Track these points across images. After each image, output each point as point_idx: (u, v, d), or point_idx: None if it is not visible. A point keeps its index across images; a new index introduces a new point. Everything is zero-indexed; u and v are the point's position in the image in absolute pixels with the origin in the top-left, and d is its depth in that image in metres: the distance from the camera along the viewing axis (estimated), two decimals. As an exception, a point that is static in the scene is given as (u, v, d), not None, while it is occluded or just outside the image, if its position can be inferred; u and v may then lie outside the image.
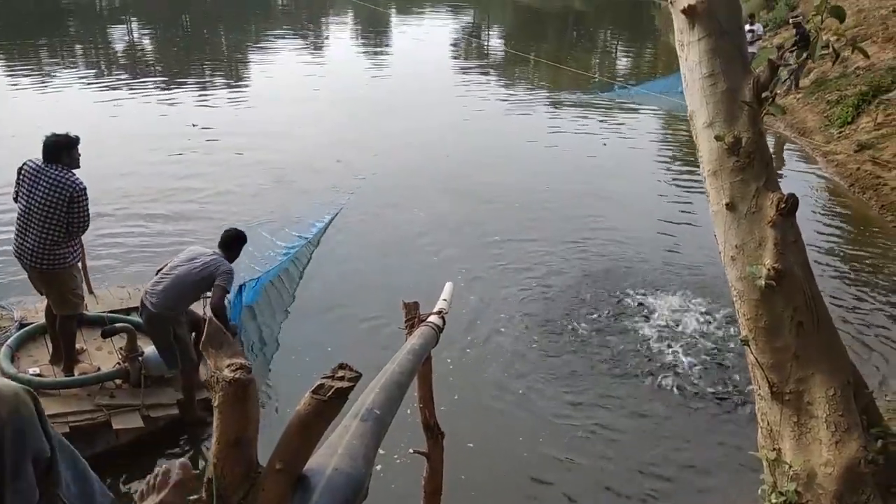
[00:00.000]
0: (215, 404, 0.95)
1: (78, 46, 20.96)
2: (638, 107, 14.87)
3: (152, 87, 15.30)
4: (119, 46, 21.61)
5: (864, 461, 3.20)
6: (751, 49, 14.48)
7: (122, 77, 16.37)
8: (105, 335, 5.02)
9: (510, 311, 6.63)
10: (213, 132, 11.80)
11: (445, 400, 5.10)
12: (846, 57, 13.32)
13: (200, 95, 14.70)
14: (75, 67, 17.52)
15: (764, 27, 17.53)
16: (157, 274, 4.86)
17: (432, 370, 2.81)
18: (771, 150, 11.57)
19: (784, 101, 14.02)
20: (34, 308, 5.56)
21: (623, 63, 22.96)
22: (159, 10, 29.20)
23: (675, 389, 5.51)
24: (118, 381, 4.83)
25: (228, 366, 0.97)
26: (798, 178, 10.86)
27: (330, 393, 0.97)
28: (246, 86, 16.37)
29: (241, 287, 5.69)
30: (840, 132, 11.72)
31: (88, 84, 15.36)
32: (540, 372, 5.73)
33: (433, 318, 2.63)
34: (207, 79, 16.76)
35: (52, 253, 4.53)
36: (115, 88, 14.93)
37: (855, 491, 3.19)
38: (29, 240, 4.52)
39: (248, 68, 18.68)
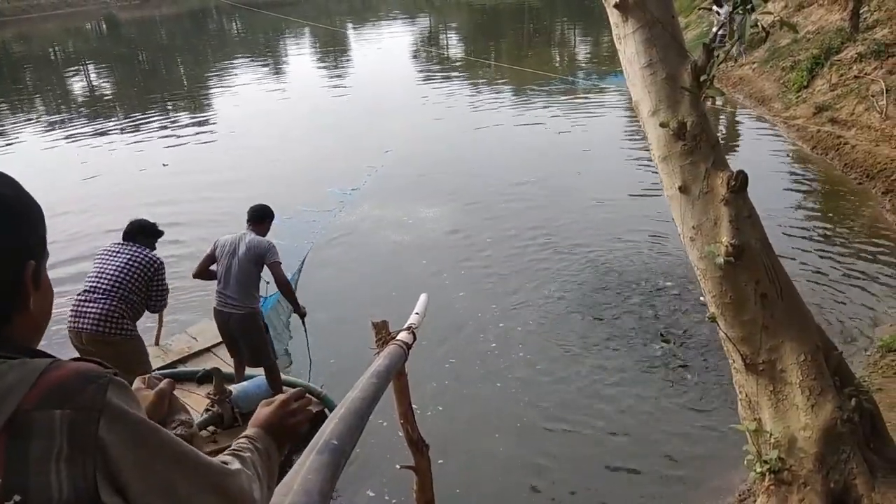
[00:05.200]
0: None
1: (37, 97, 20.87)
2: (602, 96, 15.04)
3: (117, 129, 15.29)
4: (79, 92, 21.52)
5: (841, 421, 3.29)
6: (722, 31, 14.60)
7: (87, 122, 16.33)
8: (200, 382, 5.06)
9: (498, 315, 6.65)
10: (184, 170, 11.77)
11: (430, 410, 5.18)
12: (797, 23, 13.55)
13: (167, 132, 14.66)
14: (36, 118, 17.44)
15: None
16: (198, 274, 4.96)
17: (408, 383, 2.85)
18: (733, 122, 11.67)
19: (740, 72, 14.25)
20: None
21: (582, 51, 23.17)
22: (115, 51, 29.10)
23: (674, 387, 5.44)
24: (212, 428, 4.71)
25: (170, 422, 1.02)
26: (761, 146, 11.03)
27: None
28: (211, 117, 16.33)
29: None
30: (798, 97, 11.91)
31: (51, 133, 15.29)
32: (528, 374, 5.75)
33: (402, 336, 2.68)
34: (172, 115, 16.73)
35: (117, 324, 4.41)
36: (80, 135, 14.89)
37: (835, 451, 3.28)
38: (92, 309, 4.38)
39: (211, 99, 18.68)
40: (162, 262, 4.63)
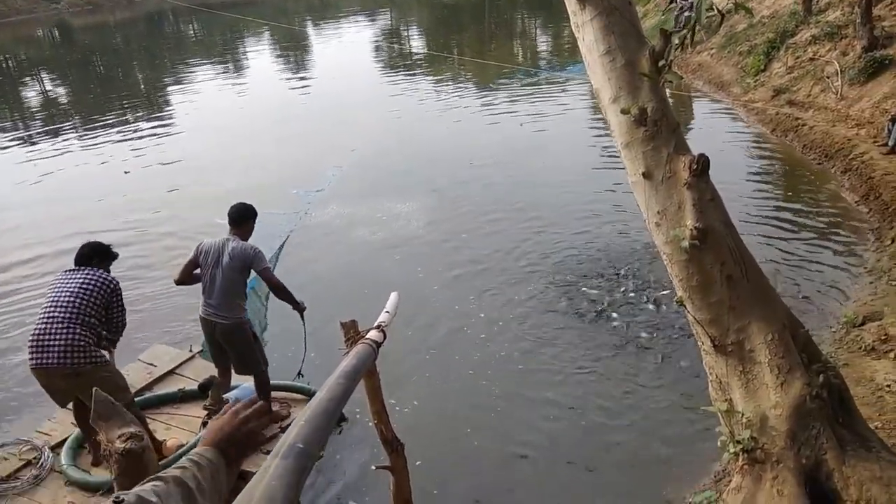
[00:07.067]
0: (113, 476, 0.95)
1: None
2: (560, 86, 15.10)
3: (75, 139, 14.86)
4: (34, 102, 20.91)
5: (810, 397, 3.33)
6: (688, 13, 14.72)
7: (42, 131, 15.87)
8: (203, 389, 4.87)
9: (475, 307, 6.62)
10: (146, 176, 11.51)
11: (408, 406, 5.14)
12: (752, 8, 13.76)
13: (126, 137, 14.31)
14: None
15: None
16: (181, 280, 4.74)
17: (380, 382, 2.81)
18: (694, 108, 11.75)
19: (699, 59, 14.42)
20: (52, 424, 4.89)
21: (543, 43, 23.26)
22: (69, 58, 28.43)
23: (652, 377, 5.44)
24: None
25: (120, 436, 0.97)
26: (722, 130, 11.18)
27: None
28: (171, 120, 15.96)
29: None
30: (756, 80, 12.10)
31: (7, 146, 14.85)
32: (503, 370, 5.73)
33: (372, 334, 2.63)
34: (131, 119, 16.32)
35: (84, 352, 4.11)
36: (37, 146, 14.47)
37: (805, 427, 3.32)
38: (55, 342, 4.08)
39: (171, 102, 18.30)
40: (118, 283, 4.38)
